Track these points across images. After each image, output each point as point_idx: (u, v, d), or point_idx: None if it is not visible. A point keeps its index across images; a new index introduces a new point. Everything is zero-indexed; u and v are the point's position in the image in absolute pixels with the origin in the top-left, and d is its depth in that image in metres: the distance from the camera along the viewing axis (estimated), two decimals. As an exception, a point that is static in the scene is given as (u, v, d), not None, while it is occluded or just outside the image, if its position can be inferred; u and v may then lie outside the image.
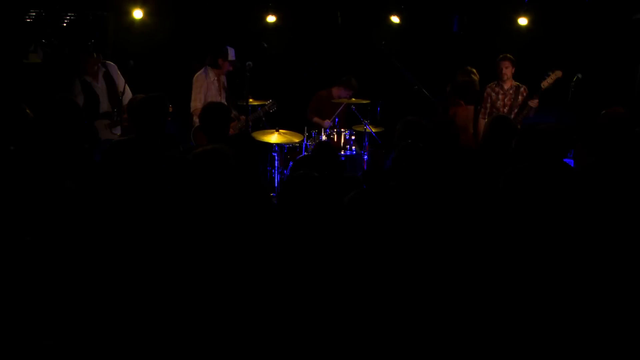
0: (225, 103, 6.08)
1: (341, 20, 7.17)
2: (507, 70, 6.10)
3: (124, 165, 3.61)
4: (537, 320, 2.82)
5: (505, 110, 6.08)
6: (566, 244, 3.00)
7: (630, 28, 6.47)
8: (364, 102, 6.81)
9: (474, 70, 6.12)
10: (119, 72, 5.85)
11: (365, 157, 6.60)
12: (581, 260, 2.96)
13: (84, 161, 3.58)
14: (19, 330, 2.76)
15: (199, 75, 6.22)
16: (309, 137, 6.54)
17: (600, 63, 6.60)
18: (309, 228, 3.11)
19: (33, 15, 6.67)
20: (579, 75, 5.71)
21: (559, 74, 5.78)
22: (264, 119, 6.48)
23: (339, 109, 6.86)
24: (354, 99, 6.88)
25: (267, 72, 7.02)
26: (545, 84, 5.81)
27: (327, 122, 6.91)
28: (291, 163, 6.47)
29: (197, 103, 6.10)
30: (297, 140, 6.54)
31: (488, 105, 6.24)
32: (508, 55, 6.16)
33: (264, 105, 6.40)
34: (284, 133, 6.44)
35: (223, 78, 6.30)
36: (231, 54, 6.23)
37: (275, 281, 2.93)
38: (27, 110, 3.62)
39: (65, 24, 6.81)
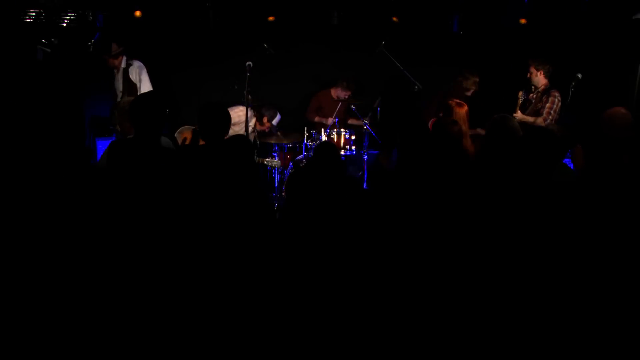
0: None
1: (339, 20, 7.17)
2: (531, 76, 5.91)
3: (125, 164, 3.60)
4: (534, 323, 2.83)
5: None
6: (567, 247, 3.00)
7: (630, 28, 6.46)
8: (358, 102, 6.84)
9: (467, 72, 6.10)
10: (141, 71, 6.10)
11: (365, 157, 6.60)
12: (582, 262, 2.96)
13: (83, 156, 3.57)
14: (19, 330, 2.76)
15: (244, 109, 5.87)
16: (309, 137, 6.53)
17: (600, 63, 6.60)
18: (309, 227, 3.12)
19: (33, 15, 6.68)
20: (579, 75, 5.71)
21: (519, 95, 5.85)
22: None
23: (338, 108, 6.89)
24: (352, 99, 6.91)
25: (267, 72, 7.02)
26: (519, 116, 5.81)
27: (331, 120, 6.92)
28: (291, 164, 6.47)
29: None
30: (297, 140, 6.56)
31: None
32: (533, 59, 5.92)
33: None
34: (284, 133, 6.46)
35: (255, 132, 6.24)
36: (277, 119, 6.34)
37: (275, 281, 2.93)
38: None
39: (65, 24, 6.82)
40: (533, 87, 5.97)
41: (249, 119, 5.93)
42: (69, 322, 2.79)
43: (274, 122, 6.38)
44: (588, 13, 6.67)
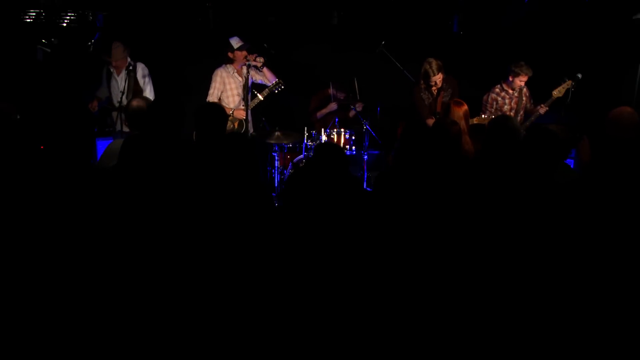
0: (254, 95, 6.23)
1: (339, 20, 7.18)
2: (522, 83, 5.98)
3: (139, 160, 3.54)
4: (536, 325, 2.83)
5: (512, 113, 6.04)
6: (569, 248, 2.99)
7: (630, 28, 6.47)
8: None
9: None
10: (145, 74, 6.14)
11: (365, 157, 6.60)
12: (582, 264, 2.96)
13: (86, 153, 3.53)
14: (20, 330, 2.76)
15: (216, 71, 6.30)
16: (309, 137, 6.53)
17: (600, 63, 6.60)
18: (312, 226, 3.11)
19: (33, 15, 6.69)
20: (579, 75, 5.72)
21: (569, 83, 5.82)
22: (264, 94, 6.38)
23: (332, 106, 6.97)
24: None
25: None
26: (556, 92, 5.84)
27: (333, 105, 6.97)
28: (291, 164, 6.47)
29: (212, 98, 6.23)
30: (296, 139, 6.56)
31: (493, 110, 6.14)
32: (527, 68, 5.92)
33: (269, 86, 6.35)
34: (283, 133, 6.46)
35: (252, 71, 6.20)
36: (234, 42, 6.23)
37: (276, 280, 2.93)
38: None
39: (65, 24, 6.83)
40: (505, 86, 6.05)
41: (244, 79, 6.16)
42: (73, 323, 2.79)
43: (236, 45, 6.18)
44: (588, 13, 6.68)
